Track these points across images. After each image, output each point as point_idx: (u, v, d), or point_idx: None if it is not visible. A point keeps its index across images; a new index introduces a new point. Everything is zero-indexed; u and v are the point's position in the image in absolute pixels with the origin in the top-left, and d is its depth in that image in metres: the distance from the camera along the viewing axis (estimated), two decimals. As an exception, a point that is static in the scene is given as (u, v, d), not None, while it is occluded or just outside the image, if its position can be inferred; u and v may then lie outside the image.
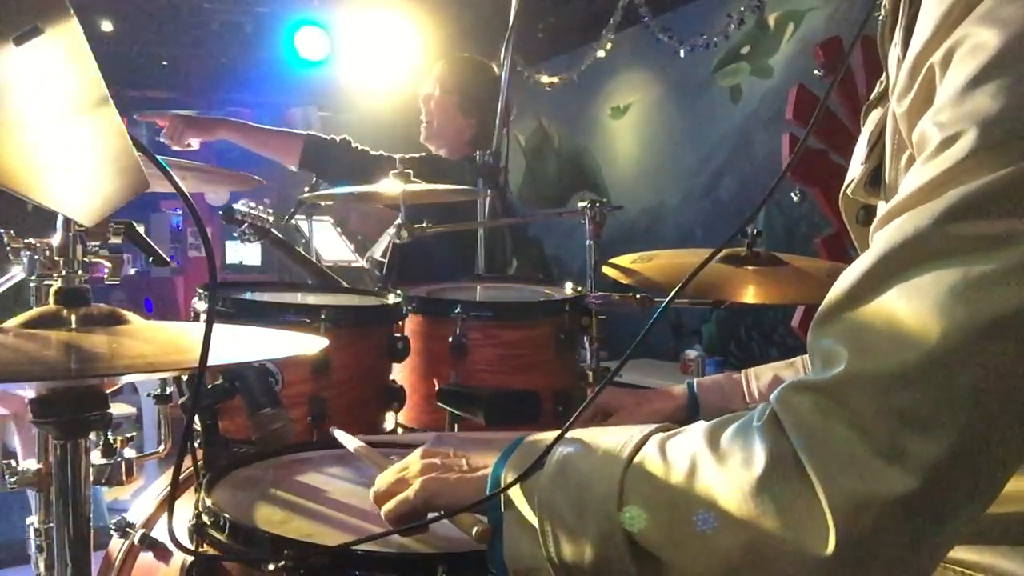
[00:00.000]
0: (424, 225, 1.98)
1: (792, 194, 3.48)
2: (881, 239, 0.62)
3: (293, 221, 2.93)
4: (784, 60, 4.47)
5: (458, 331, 1.56)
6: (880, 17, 0.78)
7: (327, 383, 1.44)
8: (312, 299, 1.73)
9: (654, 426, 0.75)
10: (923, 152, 0.62)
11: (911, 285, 0.58)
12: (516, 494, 0.77)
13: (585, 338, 1.68)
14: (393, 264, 2.82)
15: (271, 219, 2.00)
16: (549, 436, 0.80)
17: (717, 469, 0.64)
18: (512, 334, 1.61)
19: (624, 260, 1.69)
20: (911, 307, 0.57)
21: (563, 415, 1.62)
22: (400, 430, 1.62)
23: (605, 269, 1.68)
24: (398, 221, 1.97)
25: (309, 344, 0.95)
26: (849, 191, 0.80)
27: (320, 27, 6.03)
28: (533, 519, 0.74)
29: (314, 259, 2.96)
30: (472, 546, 0.94)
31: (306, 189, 2.81)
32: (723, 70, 4.84)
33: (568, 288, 1.81)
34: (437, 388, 1.55)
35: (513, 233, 2.97)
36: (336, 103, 7.23)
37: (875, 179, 0.76)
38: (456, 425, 1.54)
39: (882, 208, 0.74)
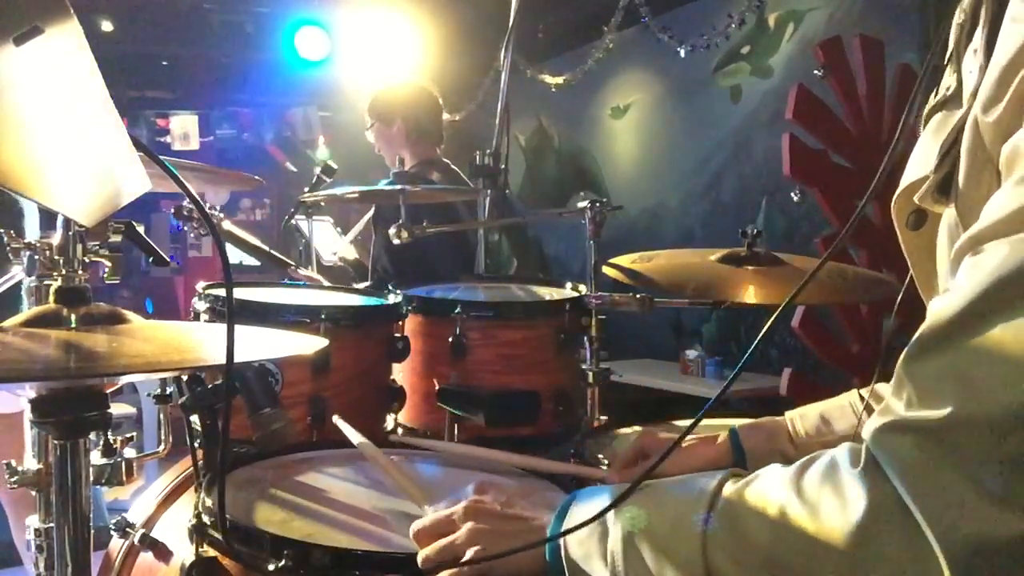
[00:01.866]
0: (424, 225, 1.98)
1: (792, 194, 3.47)
2: (982, 270, 0.59)
3: (293, 221, 2.92)
4: (784, 60, 4.46)
5: (458, 331, 1.56)
6: (959, 21, 0.76)
7: (327, 383, 1.44)
8: (312, 299, 1.73)
9: (722, 474, 0.72)
10: (1016, 169, 0.60)
11: (1021, 323, 0.56)
12: (579, 555, 0.75)
13: (585, 338, 1.68)
14: (392, 263, 2.84)
15: (221, 215, 2.03)
16: (605, 494, 0.78)
17: (810, 519, 0.62)
18: (512, 334, 1.61)
19: (624, 260, 1.69)
20: (1022, 345, 0.55)
21: (563, 415, 1.62)
22: (400, 430, 1.62)
23: (605, 269, 1.68)
24: (400, 221, 1.97)
25: (309, 344, 0.95)
26: (916, 198, 0.76)
27: (320, 27, 6.03)
28: None
29: (314, 260, 2.97)
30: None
31: (306, 189, 2.81)
32: (723, 70, 4.83)
33: (568, 288, 1.81)
34: (437, 388, 1.55)
35: (513, 233, 2.99)
36: (336, 103, 7.23)
37: (943, 186, 0.73)
38: (456, 426, 1.54)
39: (950, 216, 0.72)
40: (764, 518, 0.65)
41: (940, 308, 0.61)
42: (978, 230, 0.61)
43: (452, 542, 0.84)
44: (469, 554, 0.81)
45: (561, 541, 0.77)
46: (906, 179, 0.80)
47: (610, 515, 0.75)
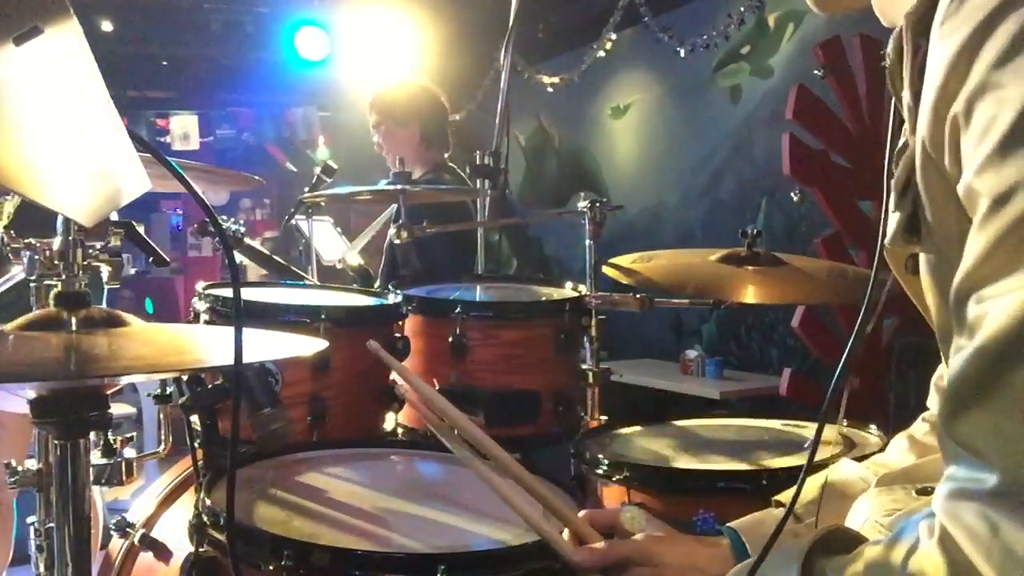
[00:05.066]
0: (424, 225, 1.98)
1: (792, 194, 3.47)
2: (988, 324, 0.58)
3: (293, 221, 2.92)
4: (784, 60, 4.46)
5: (458, 331, 1.56)
6: (886, 66, 0.74)
7: (327, 383, 1.44)
8: (312, 299, 1.73)
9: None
10: (978, 209, 0.59)
11: None
12: None
13: (585, 338, 1.68)
14: (390, 263, 2.84)
15: (243, 229, 2.05)
16: None
17: None
18: (512, 334, 1.61)
19: (624, 260, 1.69)
20: None
21: (563, 415, 1.62)
22: (400, 430, 1.62)
23: (605, 269, 1.68)
24: (400, 221, 1.98)
25: (309, 344, 0.95)
26: (887, 242, 0.75)
27: (320, 27, 6.03)
28: None
29: (314, 260, 2.97)
30: (472, 546, 0.94)
31: (306, 189, 2.81)
32: (723, 70, 4.83)
33: (568, 288, 1.81)
34: (437, 388, 1.55)
35: (513, 233, 2.99)
36: (336, 103, 7.23)
37: (910, 226, 0.72)
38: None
39: (929, 258, 0.71)
40: None
41: (958, 363, 0.61)
42: (963, 278, 0.61)
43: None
44: None
45: None
46: (893, 225, 0.79)
47: None
